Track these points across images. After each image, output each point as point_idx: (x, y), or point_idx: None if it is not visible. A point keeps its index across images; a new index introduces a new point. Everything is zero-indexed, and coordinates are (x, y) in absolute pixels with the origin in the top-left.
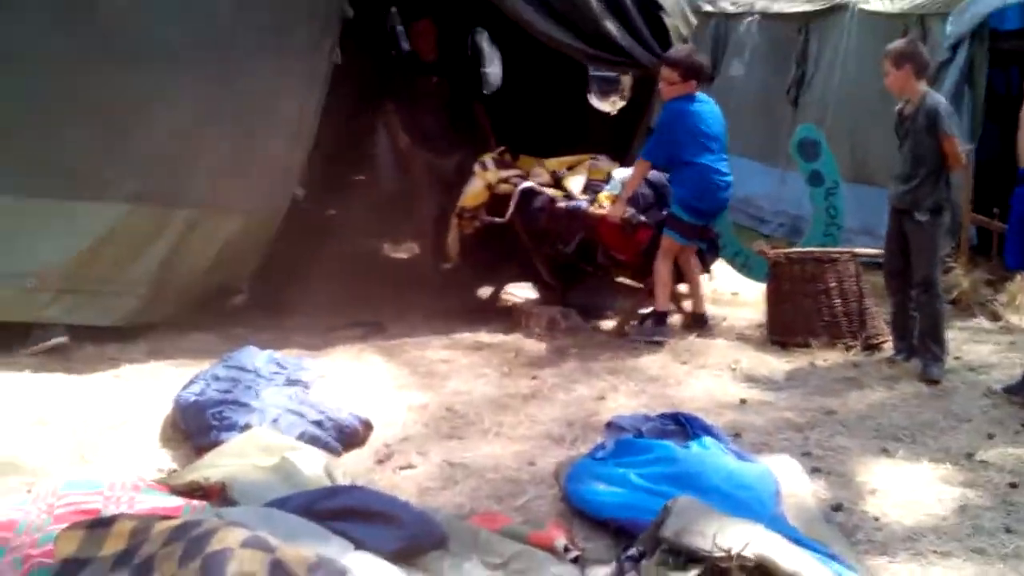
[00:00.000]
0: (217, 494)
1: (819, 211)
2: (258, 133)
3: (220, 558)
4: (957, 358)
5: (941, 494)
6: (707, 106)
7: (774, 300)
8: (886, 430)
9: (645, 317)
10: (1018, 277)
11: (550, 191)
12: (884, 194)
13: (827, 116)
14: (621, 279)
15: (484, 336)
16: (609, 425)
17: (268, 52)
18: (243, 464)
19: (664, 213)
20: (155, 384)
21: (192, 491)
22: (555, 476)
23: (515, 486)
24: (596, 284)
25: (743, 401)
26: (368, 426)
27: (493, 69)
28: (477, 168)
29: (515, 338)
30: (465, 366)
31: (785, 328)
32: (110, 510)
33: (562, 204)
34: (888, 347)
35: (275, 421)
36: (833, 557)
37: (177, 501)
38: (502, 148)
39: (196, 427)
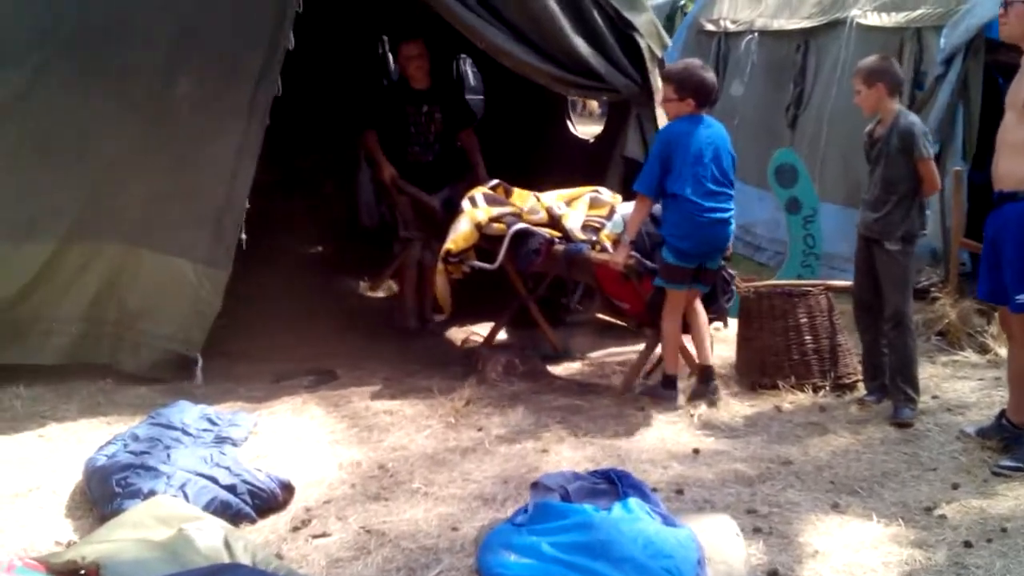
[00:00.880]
0: (94, 575)
1: (796, 240)
2: (191, 171)
3: None
4: (935, 397)
5: (888, 556)
6: (707, 130)
7: (742, 338)
8: (843, 482)
9: (651, 372)
10: None
11: (547, 231)
12: None
13: (822, 135)
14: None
15: (438, 383)
16: (535, 485)
17: (206, 85)
18: (128, 540)
19: None
20: (79, 445)
21: (70, 571)
22: (476, 543)
23: (431, 555)
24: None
25: (696, 451)
26: (288, 489)
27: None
28: (466, 205)
29: (469, 384)
30: (409, 417)
31: (752, 368)
32: None
33: (560, 247)
34: (862, 387)
35: (183, 487)
36: None
37: None
38: (495, 182)
39: (100, 494)
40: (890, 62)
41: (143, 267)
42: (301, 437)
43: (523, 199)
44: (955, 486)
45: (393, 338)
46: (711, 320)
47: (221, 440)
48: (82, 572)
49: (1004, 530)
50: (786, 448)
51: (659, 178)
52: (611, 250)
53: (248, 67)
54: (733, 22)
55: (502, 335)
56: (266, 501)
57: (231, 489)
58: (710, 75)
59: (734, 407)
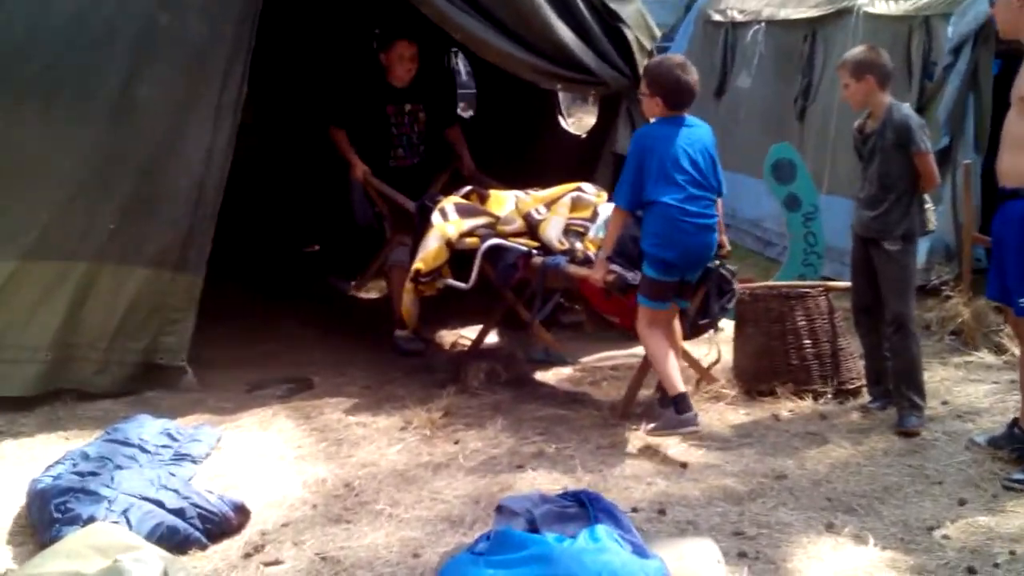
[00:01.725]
0: None
1: (797, 238)
2: (159, 177)
3: None
4: (945, 402)
5: None
6: (688, 131)
7: (739, 342)
8: (840, 498)
9: (663, 402)
10: None
11: (523, 242)
12: None
13: (831, 127)
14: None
15: (417, 391)
16: (499, 509)
17: (170, 86)
18: (58, 573)
19: None
20: (33, 464)
21: None
22: (435, 572)
23: None
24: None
25: (684, 465)
26: (243, 511)
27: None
28: (436, 219)
29: (448, 393)
30: (383, 430)
31: (749, 374)
32: None
33: (538, 259)
34: (866, 393)
35: (126, 512)
36: None
37: None
38: (468, 189)
39: (40, 520)
40: (878, 53)
41: (111, 284)
42: (266, 453)
43: (500, 203)
44: (962, 502)
45: (377, 343)
46: (704, 327)
47: (180, 457)
48: None
49: (1013, 553)
50: (781, 461)
51: (635, 187)
52: (594, 257)
53: (214, 66)
54: (740, 12)
55: (492, 337)
56: (218, 525)
57: (179, 513)
58: (688, 76)
59: (729, 416)
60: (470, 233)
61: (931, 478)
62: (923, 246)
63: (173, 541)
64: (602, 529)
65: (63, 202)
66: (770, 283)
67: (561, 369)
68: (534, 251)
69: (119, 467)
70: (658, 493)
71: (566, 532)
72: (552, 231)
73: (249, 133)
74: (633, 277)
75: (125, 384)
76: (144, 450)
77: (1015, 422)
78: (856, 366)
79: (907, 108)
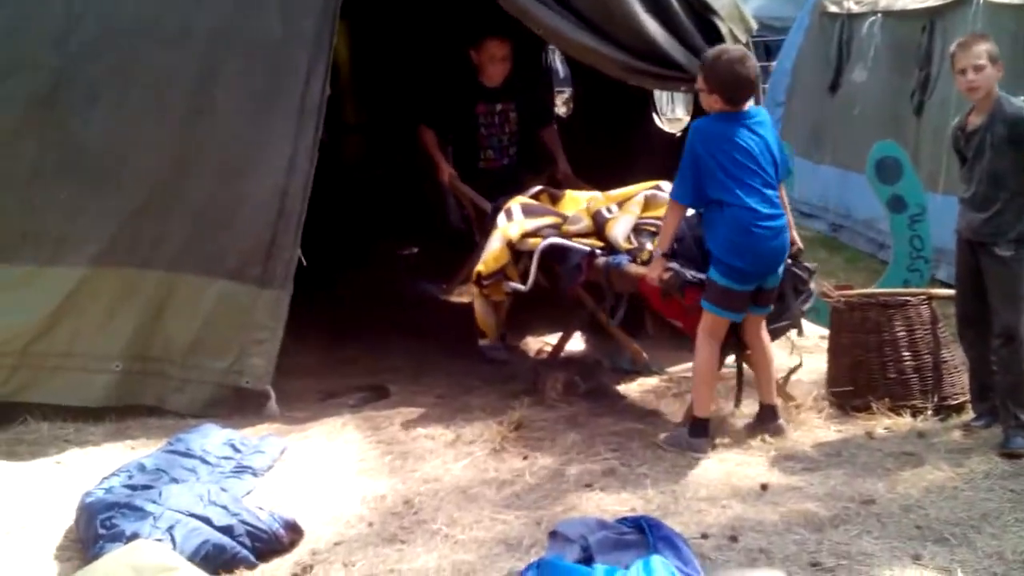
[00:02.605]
0: None
1: (901, 242)
2: (238, 183)
3: None
4: None
5: None
6: (748, 125)
7: (834, 354)
8: (931, 526)
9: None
10: None
11: (588, 242)
12: None
13: (948, 122)
14: None
15: (493, 402)
16: (554, 534)
17: (250, 88)
18: None
19: None
20: (95, 475)
21: None
22: None
23: None
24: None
25: (764, 487)
26: (295, 529)
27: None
28: (500, 220)
29: (522, 405)
30: (451, 443)
31: (844, 388)
32: None
33: (602, 259)
34: (970, 409)
35: (171, 529)
36: None
37: None
38: (538, 188)
39: (86, 535)
40: None
41: (188, 295)
42: (329, 466)
43: (575, 204)
44: None
45: (461, 350)
46: (784, 328)
47: (241, 469)
48: None
49: None
50: (871, 483)
51: (693, 182)
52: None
53: (294, 65)
54: (857, 3)
55: (578, 344)
56: (267, 543)
57: (227, 531)
58: (746, 68)
59: (819, 433)
60: (533, 234)
61: None
62: None
63: (219, 559)
64: (658, 561)
65: (136, 207)
66: (867, 291)
67: (646, 379)
68: (597, 251)
69: (175, 480)
70: (732, 517)
71: (621, 562)
72: (618, 229)
73: (355, 132)
74: (693, 276)
75: (204, 405)
76: (205, 461)
77: None
78: (960, 380)
79: (1019, 101)
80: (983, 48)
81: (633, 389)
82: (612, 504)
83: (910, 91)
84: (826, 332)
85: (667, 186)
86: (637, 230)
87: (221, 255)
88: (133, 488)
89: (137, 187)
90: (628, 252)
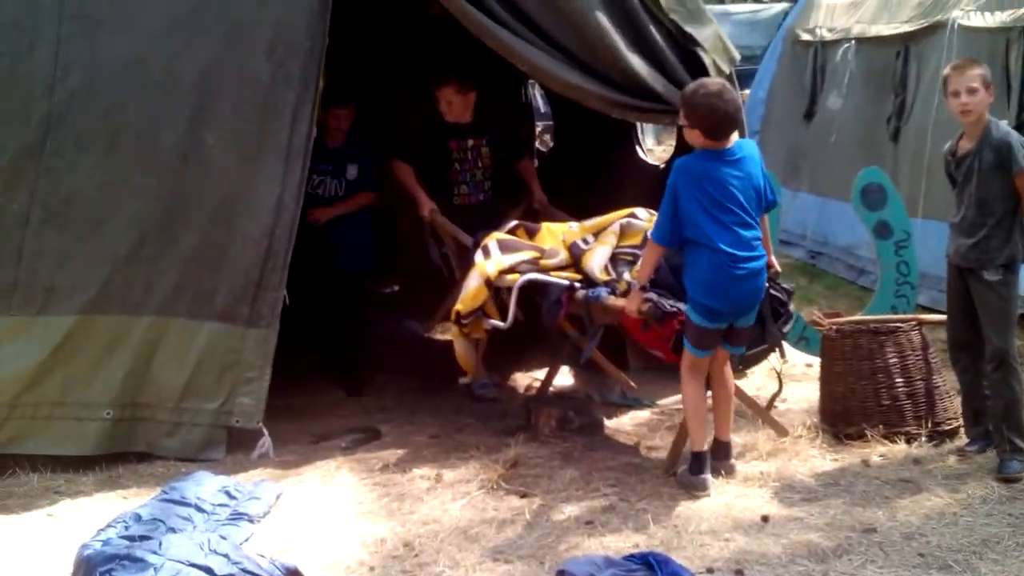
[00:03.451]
0: None
1: (888, 268)
2: (226, 224)
3: None
4: None
5: None
6: (730, 163)
7: (826, 382)
8: (934, 553)
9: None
10: None
11: (566, 275)
12: None
13: (926, 147)
14: None
15: (487, 439)
16: (560, 574)
17: (237, 129)
18: None
19: None
20: (88, 525)
21: None
22: None
23: None
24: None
25: (765, 518)
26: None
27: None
28: (478, 257)
29: (517, 442)
30: (448, 483)
31: (837, 416)
32: None
33: (581, 293)
34: (963, 434)
35: None
36: None
37: None
38: (513, 223)
39: None
40: None
41: (179, 338)
42: (326, 510)
43: (553, 237)
44: None
45: (450, 387)
46: (764, 352)
47: (237, 516)
48: None
49: None
50: (871, 512)
51: (672, 223)
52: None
53: (282, 107)
54: (830, 30)
55: (568, 380)
56: None
57: None
58: (724, 101)
59: (814, 462)
60: (511, 270)
61: None
62: None
63: None
64: None
65: (126, 253)
66: (858, 318)
67: (638, 412)
68: (576, 284)
69: (172, 529)
70: (736, 551)
71: None
72: (595, 262)
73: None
74: (671, 306)
75: (196, 448)
76: (200, 509)
77: None
78: (953, 405)
79: (1005, 125)
80: (977, 72)
81: (625, 423)
82: (615, 541)
83: (886, 117)
84: (812, 360)
85: (642, 213)
86: (614, 260)
87: (210, 296)
88: (131, 539)
89: (127, 233)
90: (606, 284)
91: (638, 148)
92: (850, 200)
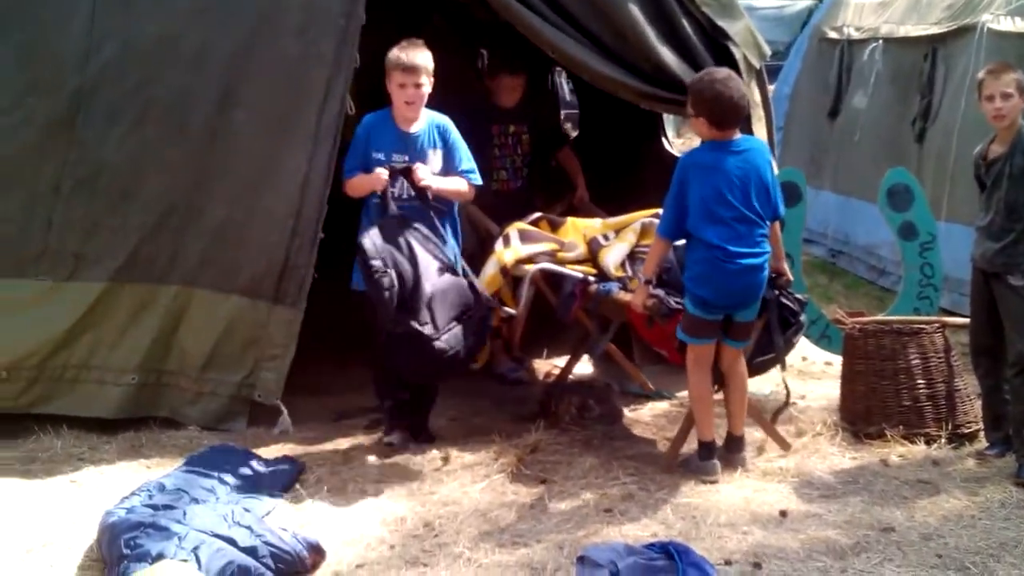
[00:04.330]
0: None
1: (912, 270)
2: (253, 202)
3: None
4: None
5: None
6: (734, 157)
7: (847, 381)
8: (951, 555)
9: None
10: None
11: (582, 269)
12: None
13: (951, 150)
14: None
15: (506, 424)
16: (581, 559)
17: (267, 108)
18: None
19: None
20: (111, 493)
21: None
22: None
23: None
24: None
25: (783, 514)
26: (318, 551)
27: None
28: (498, 245)
29: (537, 428)
30: (468, 465)
31: (857, 415)
32: None
33: (594, 287)
34: (983, 437)
35: (196, 550)
36: None
37: None
38: (537, 215)
39: (110, 555)
40: None
41: (204, 309)
42: (347, 487)
43: (574, 231)
44: None
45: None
46: (768, 363)
47: (260, 490)
48: None
49: None
50: (889, 511)
51: (676, 216)
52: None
53: (313, 87)
54: (857, 29)
55: (587, 368)
56: (291, 565)
57: (251, 552)
58: (729, 88)
59: (834, 460)
60: (528, 260)
61: None
62: None
63: None
64: None
65: (153, 224)
66: (881, 318)
67: (656, 403)
68: (590, 278)
69: (195, 500)
70: (754, 544)
71: None
72: (611, 257)
73: None
74: (677, 303)
75: (217, 418)
76: (223, 482)
77: None
78: (973, 408)
79: None
80: (1012, 77)
81: (644, 413)
82: (633, 529)
83: (911, 118)
84: (832, 358)
85: None
86: (632, 258)
87: (236, 271)
88: (155, 508)
89: (155, 205)
90: (619, 280)
91: (664, 140)
92: (873, 200)
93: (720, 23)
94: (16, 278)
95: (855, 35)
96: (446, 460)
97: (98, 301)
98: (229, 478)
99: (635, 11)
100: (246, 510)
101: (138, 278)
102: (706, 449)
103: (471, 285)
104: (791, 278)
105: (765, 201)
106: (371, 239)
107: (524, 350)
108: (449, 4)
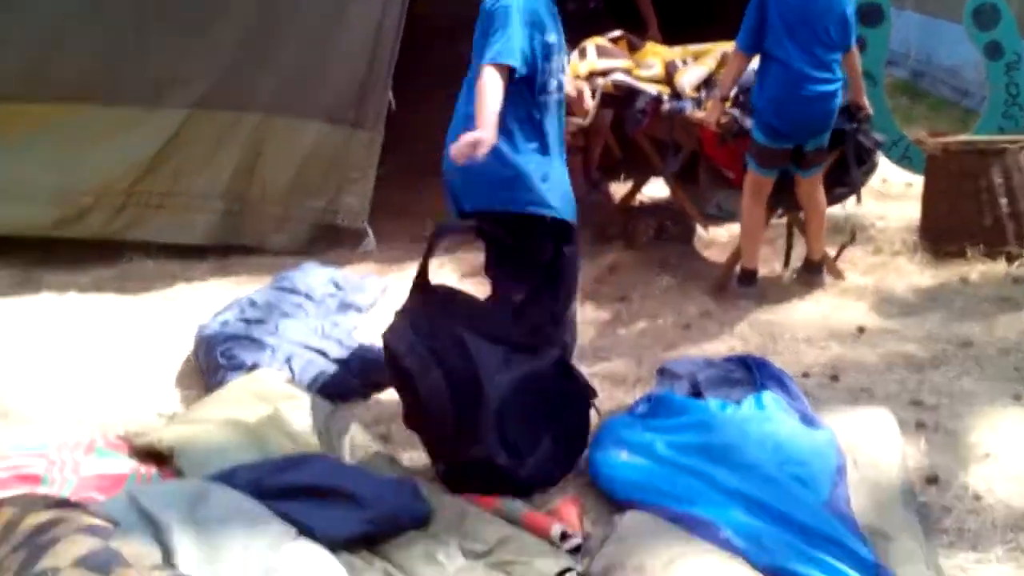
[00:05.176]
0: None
1: (997, 89)
2: (331, 31)
3: None
4: None
5: None
6: None
7: (928, 200)
8: None
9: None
10: None
11: (656, 87)
12: None
13: None
14: None
15: (585, 245)
16: (662, 371)
17: None
18: (213, 422)
19: None
20: (203, 308)
21: (149, 453)
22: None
23: None
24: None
25: (861, 329)
26: None
27: None
28: (574, 57)
29: (616, 248)
30: None
31: (939, 234)
32: (52, 475)
33: (667, 106)
34: None
35: (288, 360)
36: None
37: (125, 467)
38: (617, 33)
39: (206, 365)
40: None
41: (285, 136)
42: None
43: (653, 54)
44: None
45: None
46: (844, 195)
47: (345, 306)
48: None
49: None
50: (968, 327)
51: (754, 30)
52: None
53: None
54: None
55: (664, 192)
56: (379, 376)
57: (341, 363)
58: None
59: (913, 278)
60: (603, 73)
61: None
62: None
63: (334, 390)
64: (768, 396)
65: (232, 53)
66: (964, 137)
67: (733, 225)
68: (664, 96)
69: (285, 314)
70: (832, 358)
71: (730, 398)
72: (687, 78)
73: None
74: (751, 124)
75: (303, 244)
76: (311, 298)
77: None
78: None
79: None
80: None
81: (721, 234)
82: (711, 344)
83: None
84: (912, 179)
85: None
86: (708, 82)
87: (316, 97)
88: (247, 322)
89: (232, 35)
90: (694, 100)
91: None
92: (957, 19)
93: None
94: (103, 105)
95: None
96: None
97: (182, 128)
98: (316, 295)
99: None
100: (335, 324)
101: (220, 106)
102: (748, 276)
103: (561, 363)
104: (870, 111)
105: (841, 30)
106: (398, 332)
107: (603, 173)
108: None
